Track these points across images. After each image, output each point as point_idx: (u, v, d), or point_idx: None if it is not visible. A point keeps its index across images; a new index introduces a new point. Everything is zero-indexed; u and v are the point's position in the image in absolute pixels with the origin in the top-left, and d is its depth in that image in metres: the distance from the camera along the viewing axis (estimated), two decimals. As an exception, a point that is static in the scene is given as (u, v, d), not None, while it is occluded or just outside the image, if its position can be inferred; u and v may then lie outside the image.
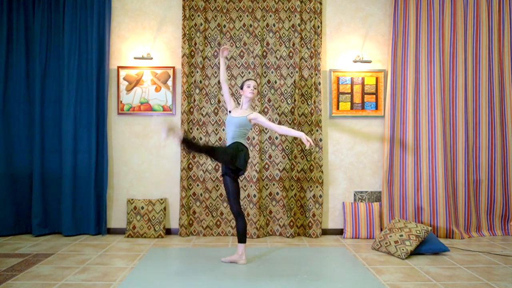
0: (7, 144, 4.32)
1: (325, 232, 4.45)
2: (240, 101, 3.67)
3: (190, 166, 4.36)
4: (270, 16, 4.38)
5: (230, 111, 3.54)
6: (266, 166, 4.37)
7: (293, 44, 4.36)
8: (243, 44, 4.38)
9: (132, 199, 4.38)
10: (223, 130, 4.35)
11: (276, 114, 4.36)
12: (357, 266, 3.38)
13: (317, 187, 4.34)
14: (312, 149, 4.34)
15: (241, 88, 3.56)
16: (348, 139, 4.50)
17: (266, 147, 4.38)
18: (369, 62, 4.41)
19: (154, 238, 4.28)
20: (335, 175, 4.50)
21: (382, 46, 4.50)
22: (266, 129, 4.37)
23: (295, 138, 4.34)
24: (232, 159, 3.22)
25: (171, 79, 4.42)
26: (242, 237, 3.35)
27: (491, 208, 4.50)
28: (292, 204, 4.34)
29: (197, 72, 4.35)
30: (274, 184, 4.38)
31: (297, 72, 4.34)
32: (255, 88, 3.53)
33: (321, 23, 4.40)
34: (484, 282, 3.00)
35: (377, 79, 4.48)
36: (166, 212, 4.42)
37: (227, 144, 3.44)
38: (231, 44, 4.39)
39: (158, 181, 4.46)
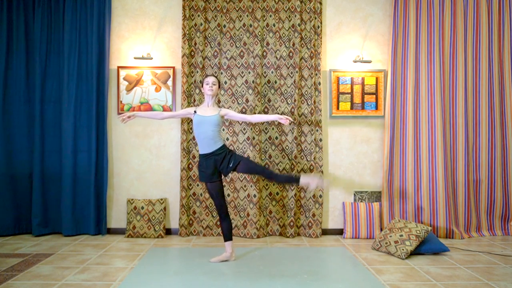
0: (7, 144, 4.32)
1: (325, 232, 4.45)
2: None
3: (190, 166, 4.35)
4: (270, 16, 4.38)
5: (195, 111, 3.45)
6: (266, 166, 4.37)
7: (293, 44, 4.35)
8: (243, 44, 4.38)
9: (132, 199, 4.38)
10: (224, 130, 4.34)
11: (276, 114, 4.36)
12: (357, 266, 3.38)
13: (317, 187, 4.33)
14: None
15: (202, 85, 3.51)
16: (348, 139, 4.50)
17: (266, 147, 4.38)
18: (369, 62, 4.41)
19: (154, 238, 4.28)
20: (335, 175, 4.50)
21: (382, 46, 4.50)
22: (266, 128, 4.37)
23: (295, 138, 4.33)
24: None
25: (171, 79, 4.42)
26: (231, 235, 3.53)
27: (491, 208, 4.50)
28: (292, 204, 4.34)
29: (197, 72, 4.35)
30: (274, 184, 4.38)
31: (297, 72, 4.34)
32: (214, 84, 3.43)
33: (321, 23, 4.40)
34: (484, 282, 3.00)
35: (377, 79, 4.48)
36: (166, 212, 4.42)
37: (208, 145, 3.36)
38: (231, 44, 4.38)
39: (158, 181, 4.46)
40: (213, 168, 3.38)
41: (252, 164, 3.45)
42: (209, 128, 3.36)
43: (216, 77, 3.55)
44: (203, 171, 3.42)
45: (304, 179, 3.36)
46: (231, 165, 3.35)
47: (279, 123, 4.36)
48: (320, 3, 4.40)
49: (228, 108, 4.18)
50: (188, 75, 4.34)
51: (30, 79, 4.38)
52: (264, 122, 4.35)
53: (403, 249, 3.59)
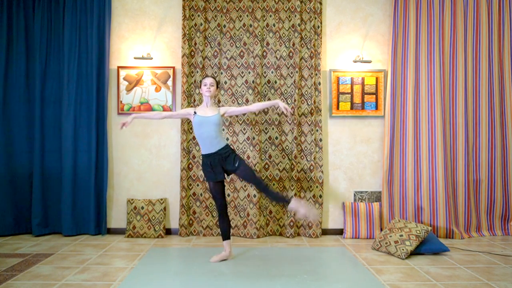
0: (7, 144, 4.32)
1: (325, 232, 4.45)
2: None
3: (190, 166, 4.35)
4: (270, 16, 4.38)
5: (195, 112, 3.46)
6: (266, 166, 4.37)
7: (293, 44, 4.35)
8: (243, 44, 4.38)
9: (132, 199, 4.38)
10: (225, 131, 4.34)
11: (276, 114, 4.37)
12: (357, 266, 3.38)
13: (317, 187, 4.34)
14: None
15: (200, 85, 3.53)
16: (348, 139, 4.50)
17: (266, 147, 4.38)
18: (369, 62, 4.41)
19: (154, 238, 4.28)
20: (335, 175, 4.50)
21: (382, 46, 4.50)
22: (266, 128, 4.37)
23: (295, 138, 4.33)
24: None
25: (171, 79, 4.42)
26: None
27: (491, 208, 4.50)
28: (292, 204, 4.34)
29: (197, 72, 4.35)
30: (274, 184, 4.38)
31: (297, 72, 4.34)
32: (211, 86, 3.45)
33: (321, 23, 4.40)
34: (484, 282, 3.00)
35: (377, 79, 4.48)
36: (166, 212, 4.42)
37: (211, 144, 3.37)
38: (231, 44, 4.38)
39: (158, 181, 4.46)
40: (219, 166, 3.39)
41: (252, 172, 3.40)
42: (211, 128, 3.38)
43: (214, 78, 3.56)
44: (209, 171, 3.41)
45: (294, 204, 3.29)
46: (236, 165, 3.35)
47: (279, 122, 4.36)
48: (320, 3, 4.40)
49: (226, 106, 4.24)
50: (188, 75, 4.34)
51: (30, 79, 4.38)
52: (264, 122, 4.35)
53: (403, 249, 3.59)
